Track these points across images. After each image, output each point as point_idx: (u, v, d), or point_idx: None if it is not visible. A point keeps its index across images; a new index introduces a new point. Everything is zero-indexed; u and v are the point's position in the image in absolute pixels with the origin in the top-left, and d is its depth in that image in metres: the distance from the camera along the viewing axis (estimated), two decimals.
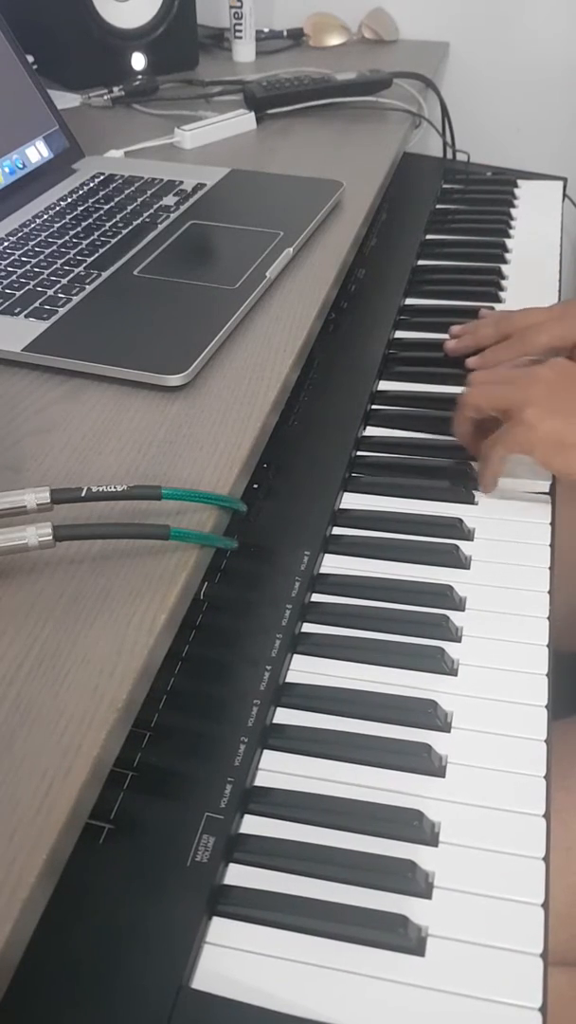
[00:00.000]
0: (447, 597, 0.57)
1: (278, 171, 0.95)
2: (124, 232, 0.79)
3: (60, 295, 0.69)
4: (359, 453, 0.70)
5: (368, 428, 0.73)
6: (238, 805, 0.45)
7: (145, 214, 0.82)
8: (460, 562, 0.60)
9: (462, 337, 0.78)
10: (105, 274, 0.72)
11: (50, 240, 0.77)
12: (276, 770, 0.48)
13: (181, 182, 0.89)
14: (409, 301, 0.89)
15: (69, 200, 0.85)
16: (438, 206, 1.09)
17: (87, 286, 0.70)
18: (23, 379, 0.63)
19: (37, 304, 0.68)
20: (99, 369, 0.62)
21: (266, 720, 0.50)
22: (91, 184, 0.88)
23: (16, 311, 0.67)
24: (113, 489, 0.48)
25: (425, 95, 1.22)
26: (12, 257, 0.75)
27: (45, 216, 0.82)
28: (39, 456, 0.55)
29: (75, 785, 0.37)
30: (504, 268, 0.95)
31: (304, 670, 0.53)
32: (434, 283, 0.92)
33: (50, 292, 0.69)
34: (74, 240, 0.77)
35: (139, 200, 0.85)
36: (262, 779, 0.47)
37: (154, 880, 0.41)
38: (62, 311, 0.67)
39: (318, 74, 1.16)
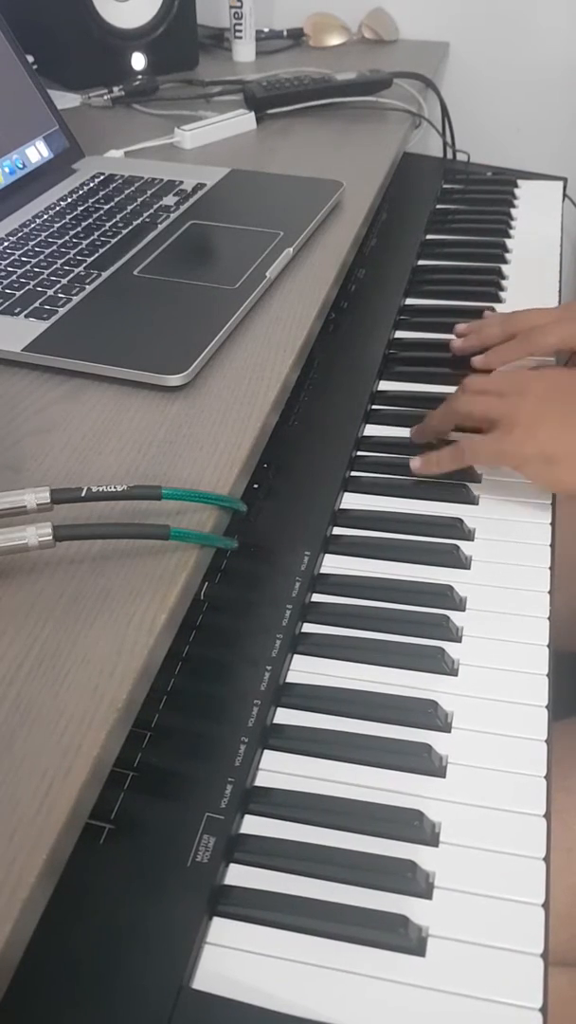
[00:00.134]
0: (447, 597, 0.57)
1: (278, 171, 0.95)
2: (124, 232, 0.79)
3: (60, 295, 0.69)
4: (359, 453, 0.70)
5: (368, 428, 0.73)
6: (238, 805, 0.45)
7: (145, 214, 0.82)
8: (460, 562, 0.60)
9: (468, 336, 0.78)
10: (105, 274, 0.72)
11: (50, 240, 0.77)
12: (276, 770, 0.48)
13: (181, 182, 0.89)
14: (409, 301, 0.89)
15: (69, 200, 0.85)
16: (438, 206, 1.09)
17: (87, 286, 0.70)
18: (23, 379, 0.63)
19: (37, 304, 0.68)
20: (99, 369, 0.62)
21: (266, 720, 0.50)
22: (91, 184, 0.88)
23: (16, 311, 0.67)
24: (113, 489, 0.48)
25: (425, 95, 1.22)
26: (12, 257, 0.75)
27: (45, 216, 0.82)
28: (39, 456, 0.55)
29: (75, 785, 0.37)
30: (504, 268, 0.95)
31: (304, 670, 0.53)
32: (434, 283, 0.92)
33: (50, 292, 0.69)
34: (74, 240, 0.77)
35: (139, 200, 0.85)
36: (262, 779, 0.47)
37: (154, 880, 0.41)
38: (62, 311, 0.67)
39: (318, 74, 1.16)
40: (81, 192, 0.86)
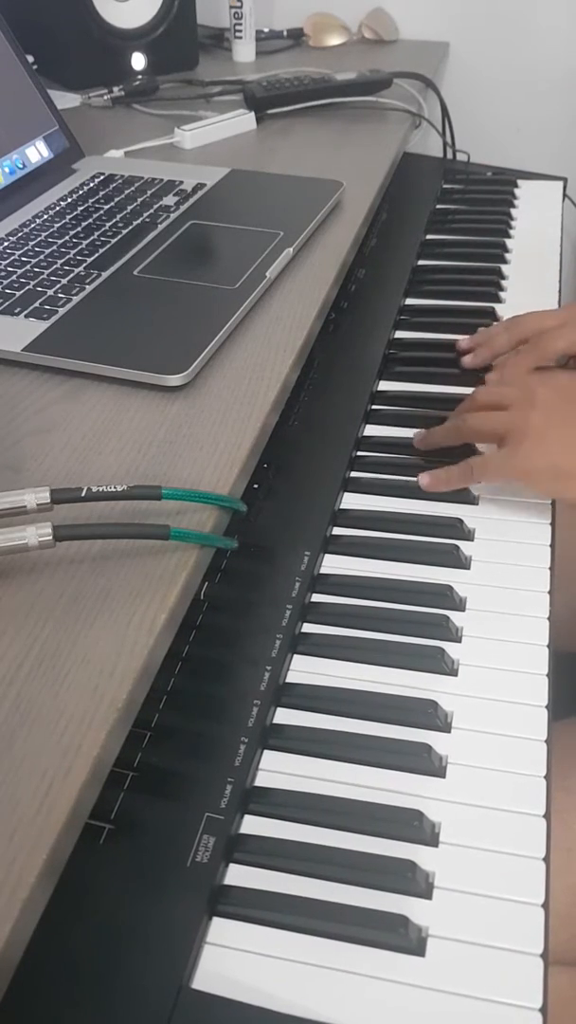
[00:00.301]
0: (447, 597, 0.57)
1: (278, 171, 0.95)
2: (124, 232, 0.79)
3: (60, 295, 0.69)
4: (359, 453, 0.70)
5: (368, 428, 0.73)
6: (238, 805, 0.45)
7: (145, 214, 0.82)
8: (460, 562, 0.60)
9: (476, 351, 0.77)
10: (105, 274, 0.72)
11: (50, 240, 0.77)
12: (276, 770, 0.48)
13: (181, 182, 0.89)
14: (409, 301, 0.89)
15: (69, 200, 0.85)
16: (438, 206, 1.09)
17: (87, 286, 0.70)
18: (23, 379, 0.63)
19: (37, 304, 0.68)
20: (99, 369, 0.62)
21: (266, 720, 0.50)
22: (91, 184, 0.88)
23: (16, 311, 0.67)
24: (113, 489, 0.48)
25: (425, 95, 1.22)
26: (12, 257, 0.75)
27: (45, 216, 0.82)
28: (39, 456, 0.55)
29: (75, 785, 0.37)
30: (504, 268, 0.95)
31: (304, 670, 0.53)
32: (434, 283, 0.92)
33: (50, 292, 0.69)
34: (74, 240, 0.77)
35: (139, 200, 0.85)
36: (262, 779, 0.47)
37: (154, 880, 0.41)
38: (62, 311, 0.67)
39: (318, 74, 1.16)
40: (81, 192, 0.86)
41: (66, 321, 0.66)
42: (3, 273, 0.72)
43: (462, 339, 0.79)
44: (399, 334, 0.84)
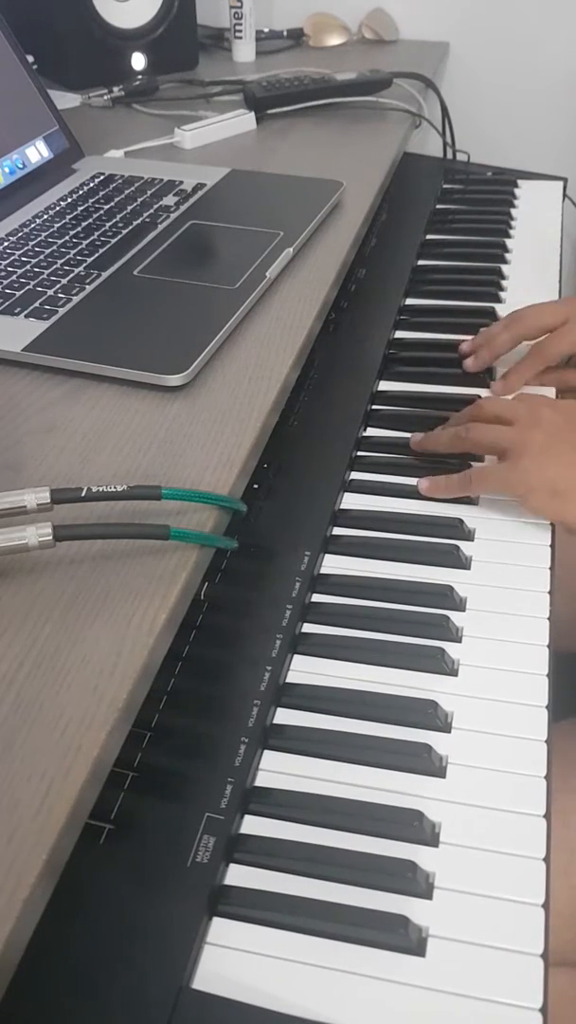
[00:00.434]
0: (447, 597, 0.57)
1: (278, 171, 0.94)
2: (124, 232, 0.79)
3: (60, 295, 0.69)
4: (359, 453, 0.70)
5: (368, 428, 0.73)
6: (238, 805, 0.45)
7: (145, 214, 0.82)
8: (460, 562, 0.60)
9: (478, 353, 0.77)
10: (105, 274, 0.72)
11: (50, 240, 0.77)
12: (276, 770, 0.48)
13: (181, 182, 0.89)
14: (409, 301, 0.89)
15: (69, 200, 0.85)
16: (438, 206, 1.09)
17: (87, 286, 0.70)
18: (23, 379, 0.63)
19: (37, 304, 0.68)
20: (99, 369, 0.62)
21: (266, 720, 0.50)
22: (91, 184, 0.88)
23: (16, 311, 0.67)
24: (113, 489, 0.48)
25: (425, 95, 1.22)
26: (12, 257, 0.75)
27: (45, 216, 0.82)
28: (39, 456, 0.55)
29: (75, 785, 0.37)
30: (504, 268, 0.95)
31: (304, 670, 0.53)
32: (434, 283, 0.92)
33: (50, 292, 0.69)
34: (74, 240, 0.77)
35: (139, 200, 0.85)
36: (262, 779, 0.47)
37: (154, 880, 0.41)
38: (62, 311, 0.67)
39: (318, 74, 1.16)
40: (81, 192, 0.86)
41: (66, 321, 0.66)
42: (3, 273, 0.72)
43: (464, 341, 0.79)
44: (399, 334, 0.84)
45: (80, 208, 0.83)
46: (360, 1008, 0.39)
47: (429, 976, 0.40)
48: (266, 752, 0.49)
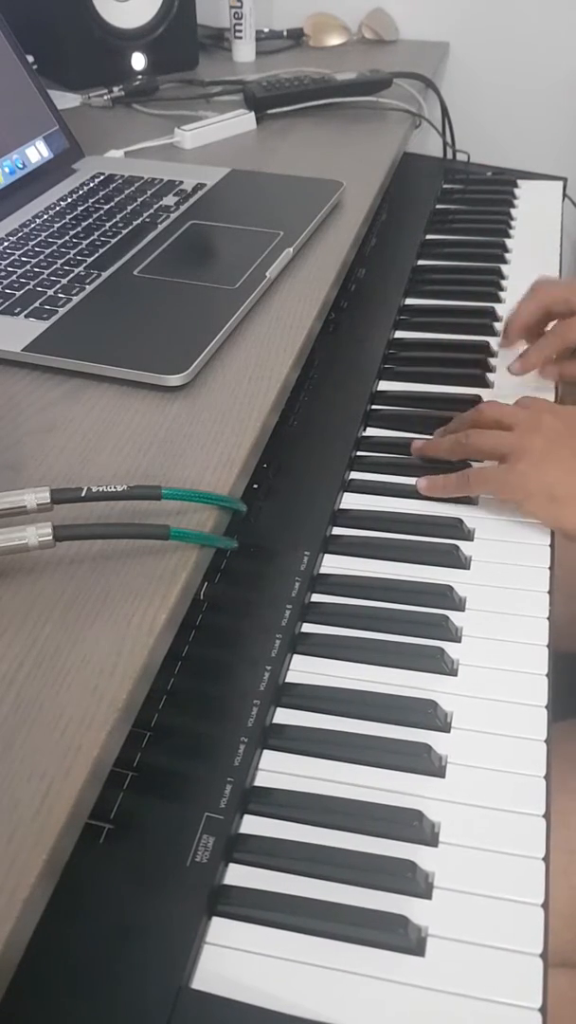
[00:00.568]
0: (447, 597, 0.57)
1: (278, 171, 0.95)
2: (124, 232, 0.79)
3: (60, 295, 0.69)
4: (359, 453, 0.70)
5: (368, 428, 0.73)
6: (238, 805, 0.45)
7: (145, 214, 0.82)
8: (460, 562, 0.60)
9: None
10: (105, 274, 0.72)
11: (50, 240, 0.77)
12: (276, 770, 0.48)
13: (181, 182, 0.89)
14: (409, 301, 0.89)
15: (69, 200, 0.85)
16: (438, 206, 1.09)
17: (87, 286, 0.70)
18: (23, 379, 0.63)
19: (37, 304, 0.68)
20: (99, 369, 0.62)
21: (266, 720, 0.50)
22: (91, 184, 0.88)
23: (16, 311, 0.67)
24: (113, 489, 0.48)
25: (425, 95, 1.22)
26: (12, 257, 0.75)
27: (45, 216, 0.82)
28: (39, 456, 0.55)
29: (75, 785, 0.37)
30: (504, 268, 0.95)
31: (304, 670, 0.53)
32: (434, 283, 0.92)
33: (50, 292, 0.69)
34: (74, 240, 0.77)
35: (139, 200, 0.85)
36: (262, 779, 0.47)
37: (154, 880, 0.41)
38: (62, 311, 0.67)
39: (318, 74, 1.16)
40: (81, 192, 0.86)
41: (66, 321, 0.66)
42: (3, 273, 0.72)
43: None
44: (399, 334, 0.84)
45: (80, 208, 0.83)
46: (360, 1008, 0.39)
47: (429, 976, 0.40)
48: (266, 752, 0.49)
